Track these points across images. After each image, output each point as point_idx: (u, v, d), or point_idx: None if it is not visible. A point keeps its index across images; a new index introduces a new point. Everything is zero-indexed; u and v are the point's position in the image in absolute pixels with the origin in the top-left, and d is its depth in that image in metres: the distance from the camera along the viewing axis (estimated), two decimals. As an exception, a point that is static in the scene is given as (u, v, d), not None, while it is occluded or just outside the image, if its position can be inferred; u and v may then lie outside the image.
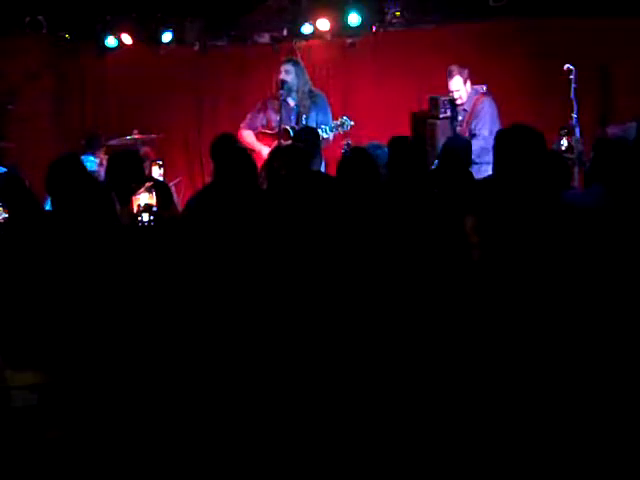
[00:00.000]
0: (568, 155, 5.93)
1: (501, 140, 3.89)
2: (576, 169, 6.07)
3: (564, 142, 5.93)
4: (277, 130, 6.60)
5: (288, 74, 6.70)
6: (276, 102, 6.71)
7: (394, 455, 2.92)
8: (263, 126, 6.80)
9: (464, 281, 3.22)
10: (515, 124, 3.91)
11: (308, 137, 5.51)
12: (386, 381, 3.08)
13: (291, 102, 6.73)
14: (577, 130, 6.48)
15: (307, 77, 6.85)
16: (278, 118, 6.61)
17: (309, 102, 6.71)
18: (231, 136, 5.96)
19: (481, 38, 7.76)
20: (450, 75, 6.69)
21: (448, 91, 6.77)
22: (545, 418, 2.89)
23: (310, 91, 6.77)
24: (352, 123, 6.50)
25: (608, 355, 2.96)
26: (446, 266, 3.34)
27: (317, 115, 6.68)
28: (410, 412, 2.99)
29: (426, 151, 4.77)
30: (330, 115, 6.74)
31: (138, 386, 3.15)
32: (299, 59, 7.22)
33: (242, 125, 6.85)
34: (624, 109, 6.87)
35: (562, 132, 6.02)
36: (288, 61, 6.94)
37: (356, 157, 4.29)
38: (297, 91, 6.71)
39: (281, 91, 6.62)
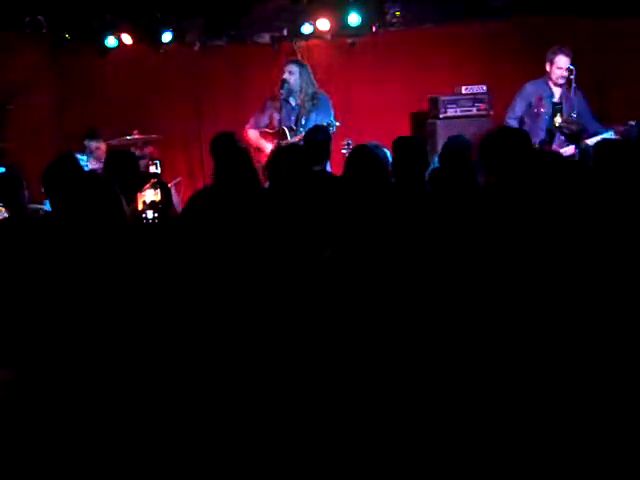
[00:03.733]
0: (564, 131, 5.88)
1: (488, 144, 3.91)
2: (574, 148, 6.07)
3: (558, 119, 5.84)
4: (277, 129, 6.64)
5: (291, 75, 6.71)
6: (278, 102, 6.73)
7: (392, 455, 2.93)
8: (266, 125, 6.83)
9: (466, 280, 3.22)
10: (500, 127, 3.96)
11: (318, 135, 5.51)
12: (386, 381, 3.08)
13: (292, 102, 6.75)
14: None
15: (312, 79, 6.84)
16: (279, 118, 6.64)
17: (310, 104, 6.72)
18: (230, 134, 5.98)
19: (481, 38, 7.78)
20: (568, 54, 6.57)
21: (555, 67, 6.58)
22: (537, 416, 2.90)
23: (314, 93, 6.78)
24: (337, 124, 6.48)
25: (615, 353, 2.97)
26: (448, 266, 3.34)
27: (317, 117, 6.68)
28: (409, 410, 3.00)
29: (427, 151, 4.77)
30: (332, 116, 6.73)
31: (137, 384, 3.15)
32: (304, 61, 7.21)
33: (247, 125, 6.88)
34: (623, 109, 6.87)
35: (556, 107, 5.89)
36: (293, 62, 6.95)
37: (365, 157, 4.29)
38: (300, 92, 6.72)
39: (281, 91, 6.64)
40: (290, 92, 6.70)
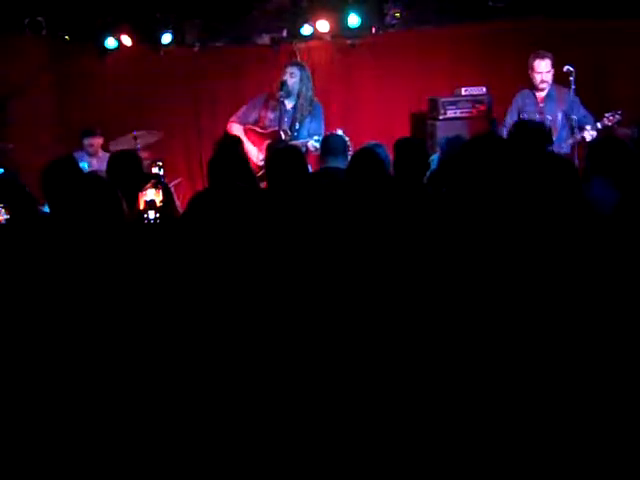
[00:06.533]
0: None
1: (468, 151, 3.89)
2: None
3: None
4: (270, 130, 6.61)
5: (292, 77, 6.69)
6: (273, 102, 6.71)
7: (393, 455, 2.93)
8: (254, 123, 6.78)
9: (470, 282, 3.22)
10: (478, 135, 3.93)
11: (337, 140, 5.51)
12: (386, 382, 3.08)
13: (288, 104, 6.72)
14: (577, 131, 6.52)
15: (311, 84, 6.83)
16: (273, 117, 6.61)
17: (307, 110, 6.71)
18: (231, 137, 6.00)
19: (480, 39, 7.80)
20: (543, 57, 6.63)
21: (535, 73, 6.65)
22: (542, 416, 2.90)
23: (312, 99, 6.77)
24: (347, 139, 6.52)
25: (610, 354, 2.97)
26: (450, 267, 3.34)
27: (311, 122, 6.68)
28: (410, 410, 3.00)
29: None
30: (323, 126, 6.73)
31: (138, 384, 3.16)
32: (305, 65, 7.19)
33: (233, 118, 6.81)
34: (622, 109, 6.87)
35: None
36: (295, 64, 6.93)
37: (367, 158, 4.29)
38: (298, 95, 6.70)
39: (280, 92, 6.62)
40: (288, 94, 6.68)
